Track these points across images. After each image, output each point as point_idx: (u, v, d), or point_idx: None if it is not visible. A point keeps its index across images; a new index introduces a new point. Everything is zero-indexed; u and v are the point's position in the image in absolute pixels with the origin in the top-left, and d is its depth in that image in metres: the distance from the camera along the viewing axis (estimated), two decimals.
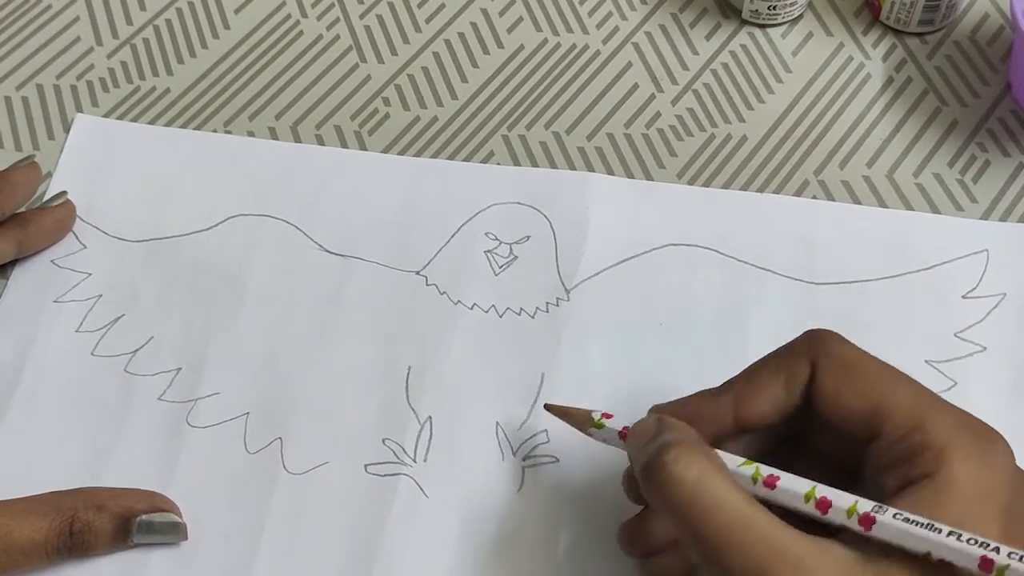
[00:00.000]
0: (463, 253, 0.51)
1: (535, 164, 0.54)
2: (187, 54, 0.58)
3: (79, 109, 0.56)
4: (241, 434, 0.47)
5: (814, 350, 0.39)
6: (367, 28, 0.59)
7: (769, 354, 0.40)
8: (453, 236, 0.51)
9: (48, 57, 0.58)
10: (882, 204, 0.52)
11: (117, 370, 0.49)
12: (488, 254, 0.51)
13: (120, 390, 0.48)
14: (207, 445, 0.47)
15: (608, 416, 0.42)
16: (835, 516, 0.35)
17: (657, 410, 0.41)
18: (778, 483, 0.37)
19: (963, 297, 0.49)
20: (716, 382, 0.41)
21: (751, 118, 0.55)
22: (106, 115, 0.56)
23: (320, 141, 0.55)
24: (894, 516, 0.34)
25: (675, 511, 0.35)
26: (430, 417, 0.47)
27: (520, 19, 0.59)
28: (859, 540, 0.35)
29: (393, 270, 0.51)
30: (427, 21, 0.59)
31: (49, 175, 0.54)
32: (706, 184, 0.53)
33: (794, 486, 0.36)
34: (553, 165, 0.54)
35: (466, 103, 0.56)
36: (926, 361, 0.48)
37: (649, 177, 0.53)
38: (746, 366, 0.40)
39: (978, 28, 0.58)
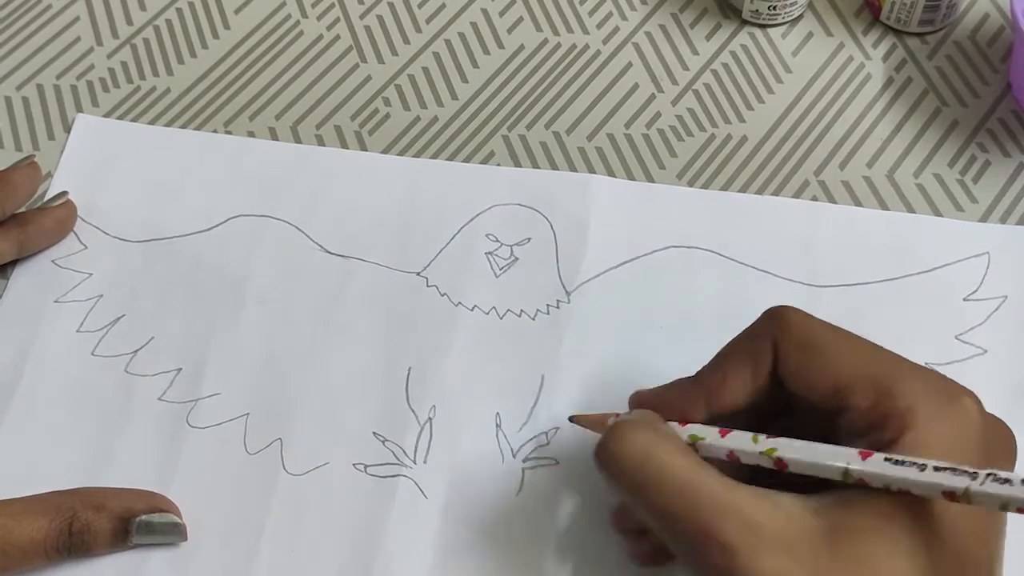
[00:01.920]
0: (464, 254, 0.51)
1: (535, 164, 0.54)
2: (187, 54, 0.58)
3: (79, 109, 0.56)
4: (241, 435, 0.47)
5: (774, 330, 0.39)
6: (367, 28, 0.59)
7: (734, 339, 0.40)
8: (454, 237, 0.51)
9: (48, 57, 0.58)
10: (882, 204, 0.52)
11: (117, 370, 0.49)
12: (489, 255, 0.51)
13: (120, 390, 0.48)
14: (207, 446, 0.47)
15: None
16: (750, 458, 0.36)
17: (635, 398, 0.42)
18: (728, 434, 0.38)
19: (964, 300, 0.49)
20: None
21: (751, 118, 0.55)
22: (106, 115, 0.56)
23: (320, 141, 0.55)
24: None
25: (624, 489, 0.36)
26: (430, 418, 0.47)
27: (520, 19, 0.59)
28: (816, 487, 0.35)
29: (393, 271, 0.51)
30: (427, 21, 0.59)
31: (49, 175, 0.54)
32: (706, 184, 0.53)
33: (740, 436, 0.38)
34: (553, 165, 0.54)
35: (466, 103, 0.56)
36: (927, 363, 0.47)
37: (649, 177, 0.53)
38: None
39: (978, 28, 0.58)
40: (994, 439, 0.36)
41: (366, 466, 0.46)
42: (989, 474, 0.33)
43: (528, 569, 0.44)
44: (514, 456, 0.46)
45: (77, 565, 0.44)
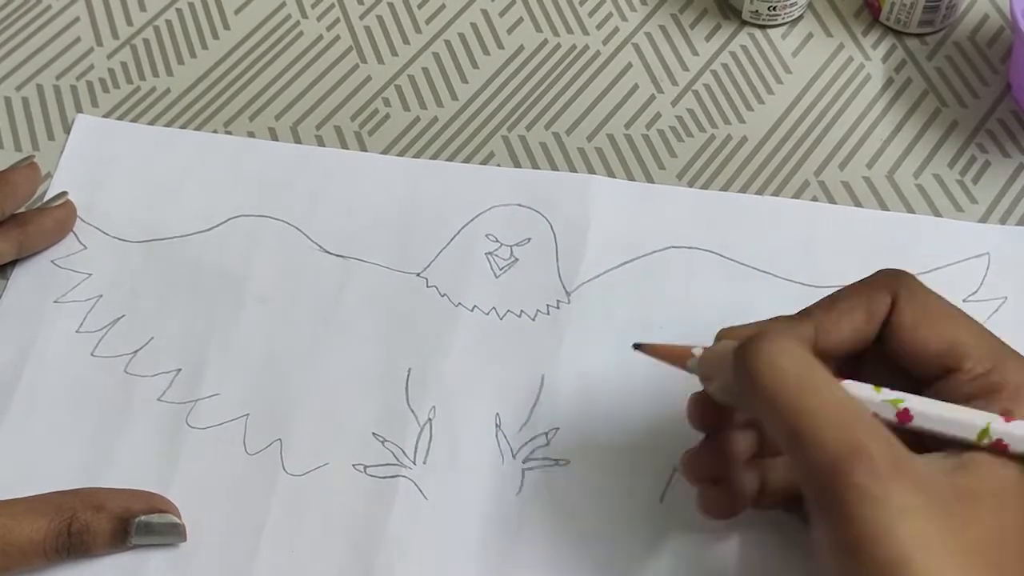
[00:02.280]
0: (464, 255, 0.51)
1: (535, 165, 0.54)
2: (187, 54, 0.58)
3: (79, 109, 0.56)
4: (241, 435, 0.47)
5: (895, 285, 0.39)
6: (367, 29, 0.59)
7: (848, 286, 0.40)
8: (454, 238, 0.51)
9: (48, 57, 0.58)
10: (882, 205, 0.52)
11: (117, 371, 0.49)
12: (489, 256, 0.51)
13: (120, 391, 0.48)
14: (207, 446, 0.47)
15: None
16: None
17: (729, 331, 0.41)
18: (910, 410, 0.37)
19: (964, 301, 0.49)
20: None
21: (751, 119, 0.55)
22: (106, 115, 0.56)
23: (320, 142, 0.55)
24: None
25: (773, 395, 0.35)
26: (430, 419, 0.47)
27: (520, 20, 0.59)
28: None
29: (393, 271, 0.51)
30: (427, 22, 0.59)
31: (49, 175, 0.54)
32: (706, 184, 0.53)
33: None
34: (553, 166, 0.54)
35: (466, 104, 0.56)
36: None
37: (649, 178, 0.53)
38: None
39: (978, 29, 0.58)
40: None
41: (366, 467, 0.46)
42: None
43: (528, 569, 0.44)
44: (514, 457, 0.46)
45: (77, 565, 0.44)
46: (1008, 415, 0.35)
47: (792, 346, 0.36)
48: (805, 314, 0.40)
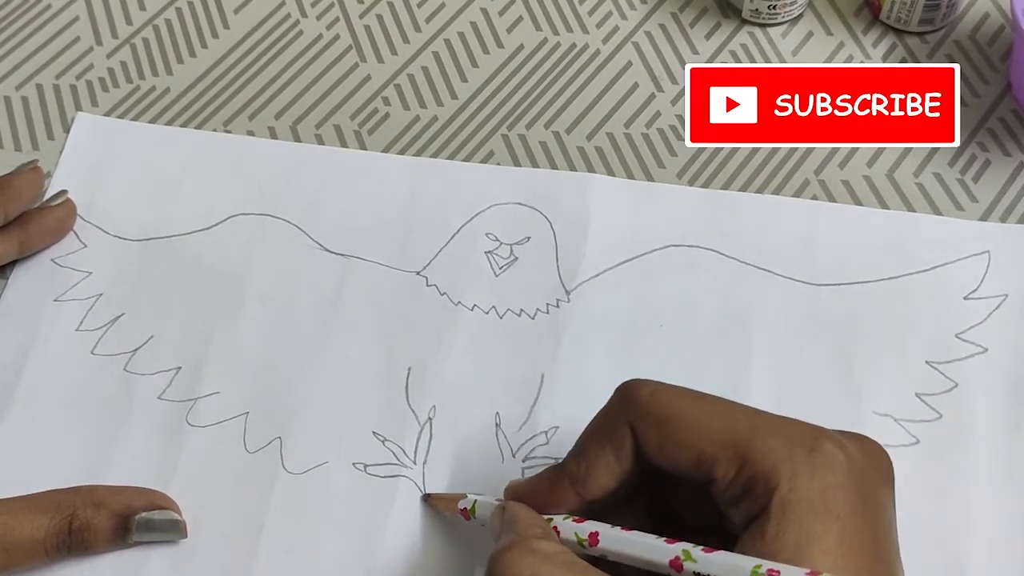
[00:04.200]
0: (463, 254, 0.51)
1: (535, 164, 0.54)
2: (187, 54, 0.58)
3: (79, 109, 0.56)
4: (241, 433, 0.47)
5: (628, 410, 0.38)
6: (367, 28, 0.59)
7: (591, 422, 0.40)
8: (453, 237, 0.51)
9: (48, 57, 0.58)
10: (883, 204, 0.52)
11: (117, 369, 0.49)
12: (488, 255, 0.51)
13: (120, 389, 0.48)
14: (207, 444, 0.47)
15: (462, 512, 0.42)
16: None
17: (510, 491, 0.41)
18: (599, 539, 0.37)
19: (964, 298, 0.49)
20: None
21: None
22: (106, 115, 0.56)
23: (320, 141, 0.55)
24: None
25: None
26: (430, 418, 0.47)
27: (520, 19, 0.59)
28: None
29: (393, 270, 0.51)
30: (427, 21, 0.59)
31: (49, 174, 0.54)
32: (706, 183, 0.53)
33: (616, 538, 0.37)
34: (553, 165, 0.54)
35: (466, 103, 0.56)
36: (927, 362, 0.48)
37: (649, 177, 0.53)
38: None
39: (978, 27, 0.58)
40: (866, 470, 0.36)
41: (366, 466, 0.46)
42: None
43: None
44: (514, 456, 0.46)
45: (77, 563, 0.44)
46: (677, 564, 0.35)
47: (526, 560, 0.35)
48: (561, 468, 0.40)
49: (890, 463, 0.37)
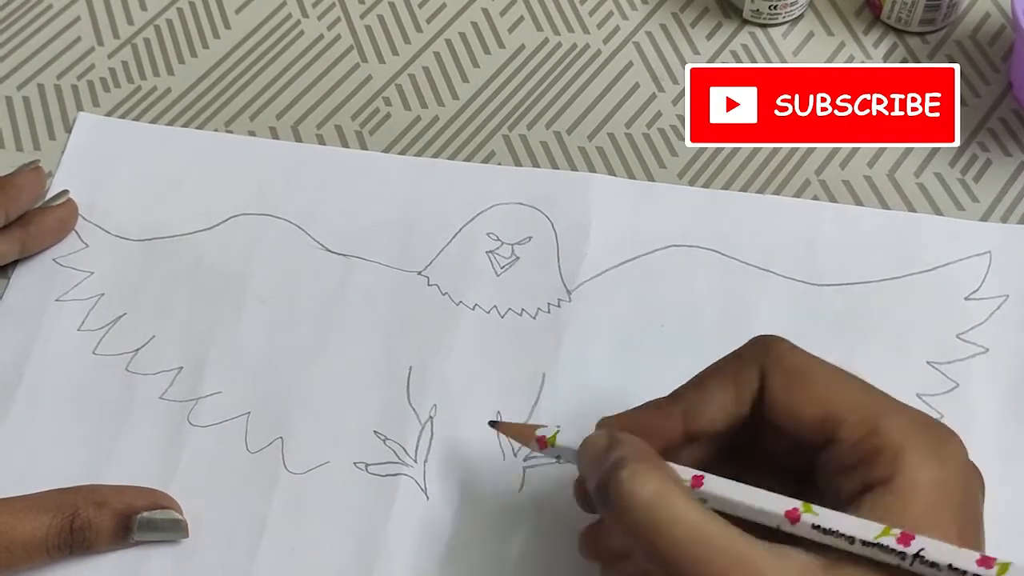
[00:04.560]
0: (465, 253, 0.51)
1: (536, 164, 0.54)
2: (188, 54, 0.58)
3: (80, 109, 0.56)
4: (242, 433, 0.47)
5: (762, 357, 0.38)
6: (368, 28, 0.59)
7: (718, 361, 0.39)
8: (455, 236, 0.51)
9: (49, 57, 0.58)
10: (883, 204, 0.52)
11: (118, 369, 0.49)
12: (490, 255, 0.51)
13: (121, 389, 0.48)
14: (208, 444, 0.47)
15: (542, 442, 0.41)
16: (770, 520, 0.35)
17: (606, 422, 0.40)
18: (703, 482, 0.36)
19: (965, 299, 0.49)
20: None
21: None
22: (107, 115, 0.56)
23: (321, 141, 0.55)
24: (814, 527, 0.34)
25: (633, 529, 0.35)
26: (431, 417, 0.47)
27: (521, 19, 0.59)
28: (820, 546, 0.34)
29: (395, 270, 0.51)
30: (428, 21, 0.59)
31: (51, 174, 0.54)
32: (707, 183, 0.53)
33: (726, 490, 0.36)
34: (554, 165, 0.54)
35: (467, 103, 0.56)
36: (928, 362, 0.48)
37: (650, 177, 0.53)
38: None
39: (979, 27, 0.58)
40: (974, 480, 0.36)
41: (367, 465, 0.46)
42: (917, 555, 0.32)
43: (529, 568, 0.44)
44: (515, 455, 0.46)
45: (79, 563, 0.44)
46: (794, 516, 0.34)
47: (651, 476, 0.35)
48: (675, 396, 0.39)
49: (984, 486, 0.37)
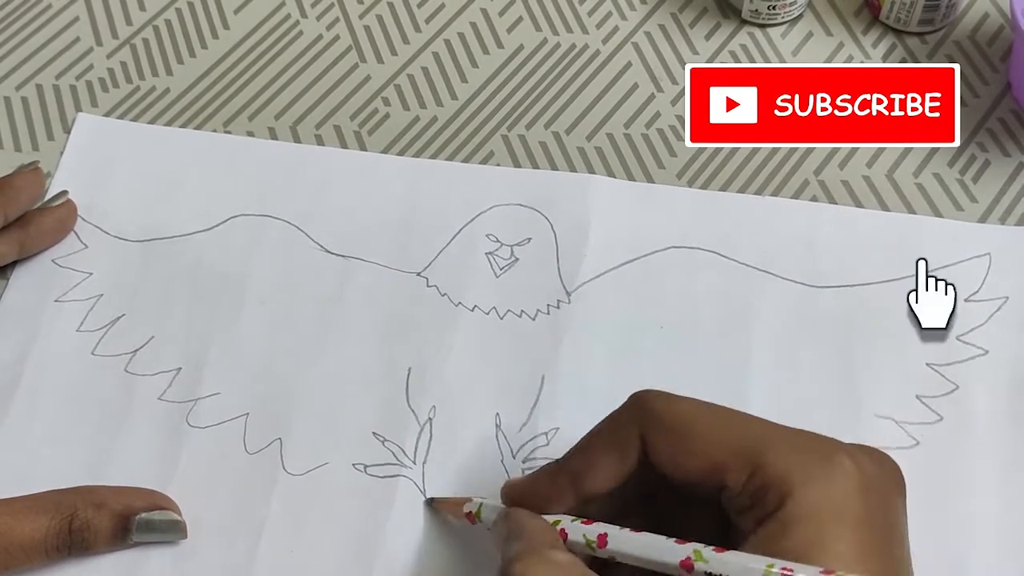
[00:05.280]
0: (464, 254, 0.51)
1: (535, 164, 0.54)
2: (187, 54, 0.58)
3: (79, 109, 0.56)
4: (241, 434, 0.47)
5: (639, 417, 0.38)
6: (367, 28, 0.59)
7: (599, 424, 0.40)
8: (454, 237, 0.51)
9: (48, 57, 0.58)
10: (882, 204, 0.52)
11: (117, 370, 0.49)
12: (489, 256, 0.51)
13: (120, 390, 0.48)
14: (207, 445, 0.47)
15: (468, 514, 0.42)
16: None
17: (508, 488, 0.41)
18: (607, 540, 0.37)
19: (965, 300, 0.49)
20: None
21: None
22: (106, 115, 0.56)
23: (320, 141, 0.55)
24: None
25: None
26: (430, 418, 0.47)
27: (520, 19, 0.59)
28: None
29: (394, 271, 0.51)
30: (427, 21, 0.59)
31: (49, 175, 0.54)
32: (706, 184, 0.53)
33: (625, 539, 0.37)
34: (553, 165, 0.54)
35: (466, 103, 0.56)
36: (927, 364, 0.48)
37: (649, 177, 0.53)
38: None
39: (978, 28, 0.58)
40: (878, 480, 0.36)
41: (366, 466, 0.46)
42: None
43: None
44: (514, 456, 0.46)
45: (77, 563, 0.44)
46: (687, 564, 0.35)
47: (539, 571, 0.35)
48: (562, 465, 0.40)
49: (901, 475, 0.37)
